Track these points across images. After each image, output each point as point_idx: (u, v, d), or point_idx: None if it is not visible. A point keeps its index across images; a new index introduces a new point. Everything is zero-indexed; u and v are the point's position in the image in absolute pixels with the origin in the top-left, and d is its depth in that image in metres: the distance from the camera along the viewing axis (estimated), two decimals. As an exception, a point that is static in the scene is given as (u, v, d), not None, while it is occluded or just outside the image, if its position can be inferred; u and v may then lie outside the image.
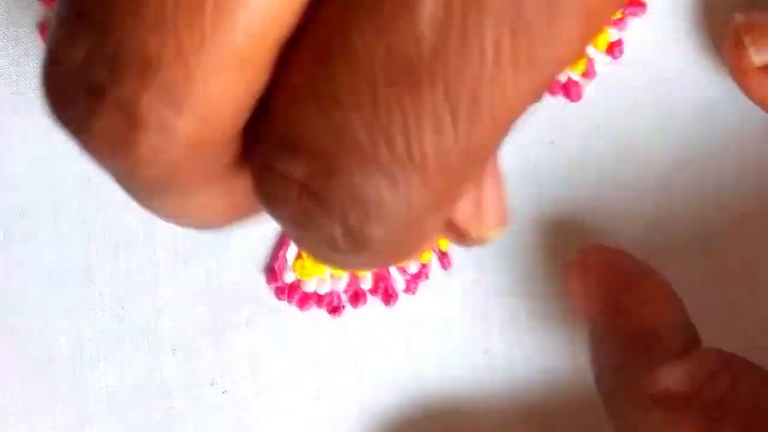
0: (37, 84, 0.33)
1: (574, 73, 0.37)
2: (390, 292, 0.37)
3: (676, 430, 0.30)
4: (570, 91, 0.37)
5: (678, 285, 0.36)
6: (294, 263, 0.36)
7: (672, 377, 0.31)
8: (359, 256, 0.18)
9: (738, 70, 0.36)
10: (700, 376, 0.31)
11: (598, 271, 0.34)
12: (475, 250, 0.37)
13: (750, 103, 0.36)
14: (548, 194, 0.38)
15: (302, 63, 0.17)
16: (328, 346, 0.37)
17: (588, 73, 0.37)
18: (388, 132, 0.16)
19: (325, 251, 0.18)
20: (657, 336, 0.32)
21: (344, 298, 0.37)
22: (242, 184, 0.19)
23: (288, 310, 0.36)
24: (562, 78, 0.37)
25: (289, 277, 0.36)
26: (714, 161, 0.39)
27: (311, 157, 0.17)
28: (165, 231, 0.35)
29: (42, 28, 0.33)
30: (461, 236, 0.20)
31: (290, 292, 0.36)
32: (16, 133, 0.33)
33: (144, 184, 0.19)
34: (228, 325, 0.36)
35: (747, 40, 0.35)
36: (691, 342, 0.32)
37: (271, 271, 0.36)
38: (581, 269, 0.35)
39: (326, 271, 0.36)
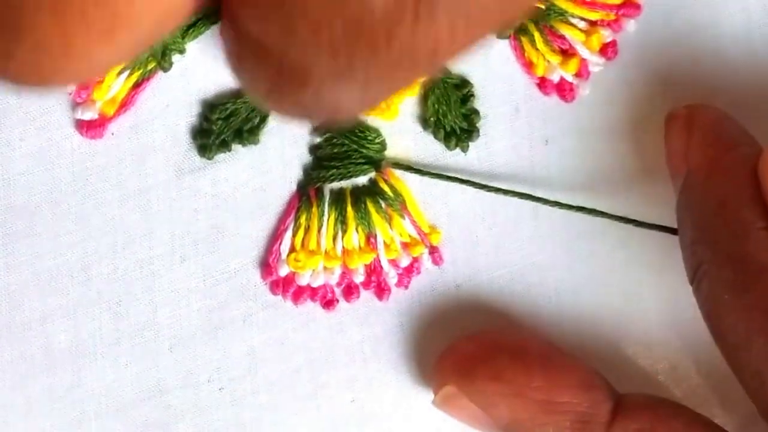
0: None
1: (567, 74, 0.37)
2: (383, 286, 0.37)
3: None
4: (564, 91, 0.37)
5: (675, 285, 0.36)
6: (288, 256, 0.36)
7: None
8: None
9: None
10: None
11: (702, 129, 0.34)
12: (469, 247, 0.38)
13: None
14: (542, 193, 0.38)
15: None
16: (325, 343, 0.37)
17: (582, 74, 0.37)
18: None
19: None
20: (752, 199, 0.32)
21: (338, 291, 0.37)
22: None
23: (284, 306, 0.36)
24: (556, 78, 0.37)
25: (283, 270, 0.36)
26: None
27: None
28: (162, 228, 0.35)
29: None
30: None
31: (285, 286, 0.36)
32: (14, 130, 0.33)
33: None
34: (225, 322, 0.36)
35: None
36: None
37: (266, 265, 0.36)
38: (685, 124, 0.35)
39: (319, 263, 0.36)
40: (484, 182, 0.37)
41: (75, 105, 0.34)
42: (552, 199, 0.37)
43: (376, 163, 0.36)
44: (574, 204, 0.37)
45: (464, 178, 0.37)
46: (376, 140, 0.36)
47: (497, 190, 0.37)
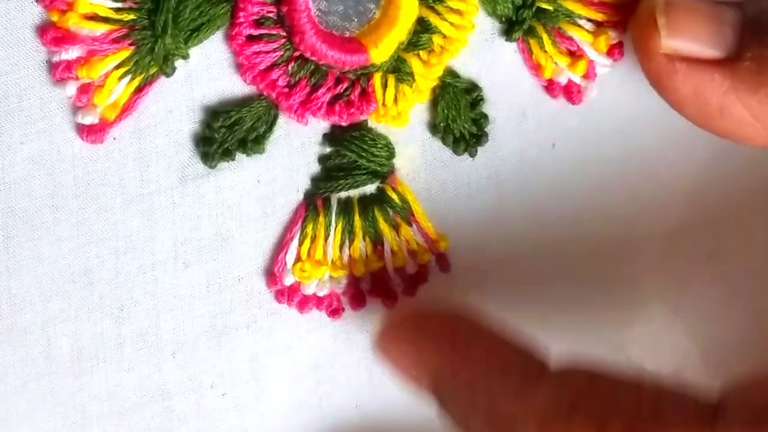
0: (37, 86, 0.33)
1: (575, 76, 0.37)
2: (390, 294, 0.37)
3: None
4: (571, 93, 0.37)
5: (680, 288, 0.36)
6: (293, 266, 0.35)
7: (539, 405, 0.29)
8: None
9: (645, 55, 0.34)
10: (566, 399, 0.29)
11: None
12: (477, 254, 0.37)
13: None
14: (549, 197, 0.37)
15: None
16: (329, 350, 0.37)
17: (589, 76, 0.37)
18: None
19: None
20: (510, 366, 0.30)
21: (344, 300, 0.36)
22: None
23: (288, 313, 0.36)
24: (563, 80, 0.37)
25: (288, 280, 0.36)
26: (716, 160, 0.39)
27: None
28: (165, 233, 0.35)
29: (41, 31, 0.33)
30: None
31: (290, 295, 0.36)
32: (15, 134, 0.33)
33: None
34: (228, 328, 0.36)
35: (661, 21, 0.33)
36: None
37: (271, 274, 0.36)
38: (400, 338, 0.33)
39: (326, 273, 0.36)
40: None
41: (76, 109, 0.33)
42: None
43: (385, 172, 0.36)
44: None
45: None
46: (385, 149, 0.36)
47: None
